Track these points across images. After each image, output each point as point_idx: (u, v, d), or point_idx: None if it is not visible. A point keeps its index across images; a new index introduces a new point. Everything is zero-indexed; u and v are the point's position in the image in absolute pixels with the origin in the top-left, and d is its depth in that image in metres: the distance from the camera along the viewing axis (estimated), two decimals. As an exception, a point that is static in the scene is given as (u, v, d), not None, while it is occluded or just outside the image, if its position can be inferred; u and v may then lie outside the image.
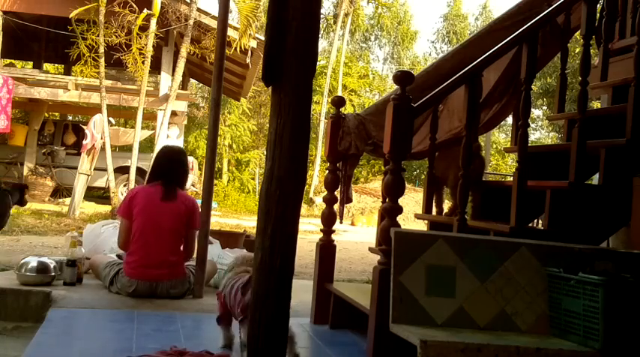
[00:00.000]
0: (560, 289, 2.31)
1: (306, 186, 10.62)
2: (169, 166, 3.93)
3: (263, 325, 1.89)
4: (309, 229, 11.08)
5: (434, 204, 3.33)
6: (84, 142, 10.46)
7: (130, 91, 11.90)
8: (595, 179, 3.09)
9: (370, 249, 3.25)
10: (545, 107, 25.36)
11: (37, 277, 3.69)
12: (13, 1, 11.50)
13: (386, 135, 2.61)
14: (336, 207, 3.43)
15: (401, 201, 2.61)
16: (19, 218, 8.49)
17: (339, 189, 3.43)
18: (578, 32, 3.14)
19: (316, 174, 19.90)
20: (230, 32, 10.00)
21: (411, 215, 6.44)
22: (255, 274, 1.94)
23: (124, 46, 10.63)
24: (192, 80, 18.10)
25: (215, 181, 9.60)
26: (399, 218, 2.60)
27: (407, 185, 2.77)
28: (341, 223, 3.75)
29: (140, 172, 10.54)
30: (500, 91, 3.29)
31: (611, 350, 2.10)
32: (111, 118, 12.77)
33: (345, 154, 3.34)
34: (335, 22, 22.27)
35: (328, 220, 3.43)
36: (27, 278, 3.66)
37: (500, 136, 28.06)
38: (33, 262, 3.73)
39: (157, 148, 8.57)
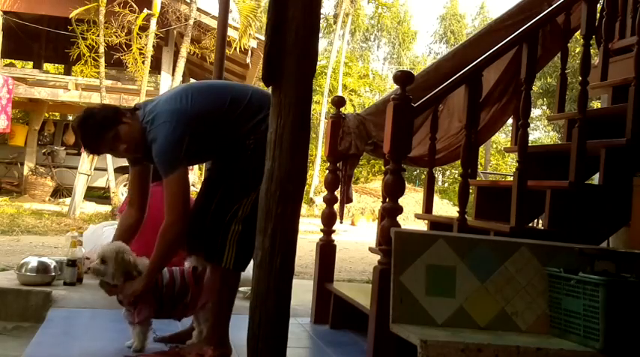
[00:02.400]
0: (561, 289, 2.31)
1: (306, 186, 10.60)
2: None
3: (263, 325, 1.88)
4: (309, 229, 11.06)
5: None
6: (84, 142, 10.43)
7: (130, 91, 11.88)
8: (595, 179, 3.09)
9: (370, 249, 3.25)
10: (545, 107, 25.37)
11: (37, 277, 3.69)
12: (13, 1, 11.49)
13: (386, 135, 2.61)
14: (336, 207, 3.43)
15: (401, 201, 2.61)
16: (19, 218, 8.48)
17: (339, 189, 3.44)
18: (578, 32, 3.14)
19: (316, 174, 19.90)
20: (230, 32, 9.99)
21: (411, 215, 6.43)
22: (255, 274, 1.94)
23: (124, 46, 10.61)
24: (192, 80, 18.11)
25: (215, 181, 9.54)
26: (399, 218, 2.60)
27: (407, 185, 2.77)
28: (341, 223, 3.75)
29: (140, 172, 10.52)
30: (501, 91, 3.29)
31: (611, 350, 2.10)
32: (111, 118, 12.71)
33: (345, 154, 3.34)
34: (335, 22, 22.27)
35: (328, 220, 3.43)
36: (27, 278, 3.66)
37: (501, 136, 28.05)
38: (33, 262, 3.73)
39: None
